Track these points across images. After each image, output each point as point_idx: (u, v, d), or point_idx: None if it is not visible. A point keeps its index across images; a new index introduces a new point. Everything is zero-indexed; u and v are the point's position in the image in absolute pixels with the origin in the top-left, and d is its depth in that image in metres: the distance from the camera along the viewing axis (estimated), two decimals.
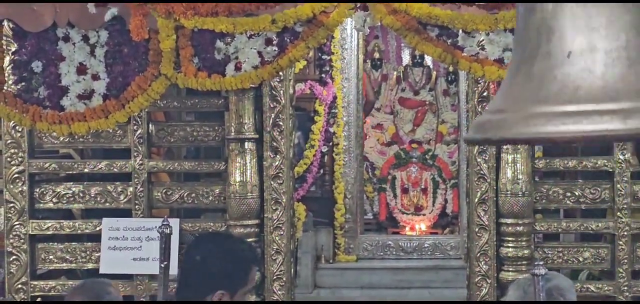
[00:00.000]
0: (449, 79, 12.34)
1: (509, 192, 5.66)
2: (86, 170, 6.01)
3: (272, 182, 5.76)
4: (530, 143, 1.77)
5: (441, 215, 11.77)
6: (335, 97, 10.58)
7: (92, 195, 5.91)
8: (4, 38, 5.34)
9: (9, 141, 5.80)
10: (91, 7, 5.12)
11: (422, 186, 11.76)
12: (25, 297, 5.84)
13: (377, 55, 12.61)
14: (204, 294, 3.32)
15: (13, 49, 5.39)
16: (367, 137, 11.95)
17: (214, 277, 3.33)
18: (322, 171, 10.76)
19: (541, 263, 2.88)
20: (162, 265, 4.95)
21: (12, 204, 5.82)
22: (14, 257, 5.83)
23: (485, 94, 5.68)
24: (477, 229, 5.77)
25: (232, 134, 5.67)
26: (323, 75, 10.60)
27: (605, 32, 1.51)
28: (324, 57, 10.57)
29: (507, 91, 1.62)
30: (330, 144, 10.68)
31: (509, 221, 5.69)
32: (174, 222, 5.42)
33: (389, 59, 13.11)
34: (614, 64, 1.49)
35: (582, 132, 1.45)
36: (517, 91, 1.57)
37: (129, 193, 5.88)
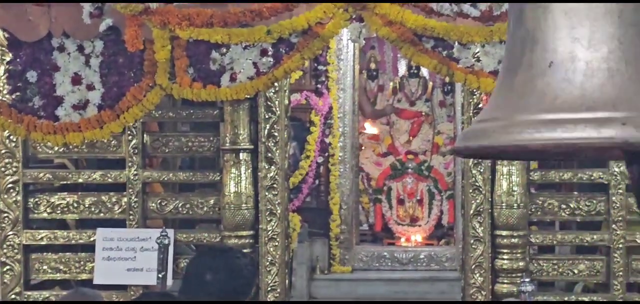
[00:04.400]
0: (446, 90, 12.32)
1: (504, 204, 5.66)
2: (80, 180, 5.99)
3: (267, 193, 5.75)
4: (507, 154, 1.79)
5: (437, 226, 11.73)
6: (331, 108, 10.57)
7: (87, 205, 5.90)
8: None
9: (3, 151, 5.79)
10: (86, 18, 5.12)
11: (418, 197, 11.73)
12: None
13: (373, 65, 12.61)
14: None
15: (8, 59, 5.39)
16: (363, 148, 11.93)
17: (221, 294, 3.38)
18: (317, 181, 10.73)
19: (528, 280, 2.89)
20: (160, 275, 4.94)
21: (6, 214, 5.80)
22: (7, 267, 5.81)
23: (480, 105, 5.68)
24: (472, 241, 5.76)
25: (227, 144, 5.66)
26: (319, 85, 10.58)
27: (586, 43, 1.53)
28: (319, 67, 10.55)
29: (492, 102, 1.65)
30: (326, 154, 10.65)
31: (504, 233, 5.68)
32: (169, 233, 5.43)
33: (385, 70, 13.11)
34: (593, 74, 1.52)
35: (554, 140, 1.47)
36: (500, 101, 1.60)
37: (123, 204, 5.86)
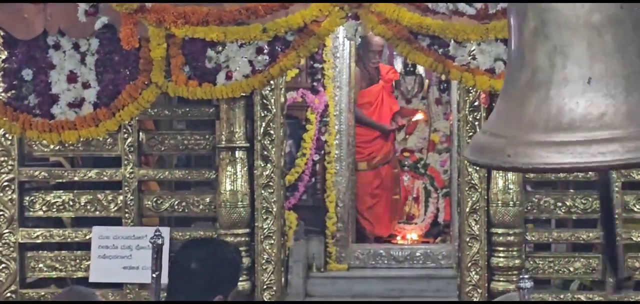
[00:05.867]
0: (442, 87, 12.31)
1: (500, 202, 5.66)
2: (76, 178, 5.99)
3: (263, 191, 5.74)
4: (556, 172, 1.67)
5: (433, 224, 11.73)
6: (327, 106, 10.55)
7: (82, 203, 5.89)
8: None
9: None
10: (82, 16, 5.11)
11: (414, 195, 11.74)
12: None
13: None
14: (200, 299, 3.36)
15: (3, 57, 5.39)
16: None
17: (210, 283, 3.38)
18: (313, 179, 10.72)
19: (526, 277, 2.88)
20: (154, 275, 4.93)
21: (1, 212, 5.79)
22: (3, 265, 5.81)
23: (476, 103, 5.68)
24: (468, 239, 5.76)
25: (223, 142, 5.66)
26: (315, 83, 10.56)
27: (621, 57, 1.47)
28: (315, 65, 10.52)
29: (518, 115, 1.54)
30: (322, 152, 10.64)
31: (500, 230, 5.68)
32: (165, 232, 5.41)
33: None
34: (635, 89, 1.46)
35: (618, 161, 1.41)
36: (530, 116, 1.50)
37: (119, 202, 5.85)
